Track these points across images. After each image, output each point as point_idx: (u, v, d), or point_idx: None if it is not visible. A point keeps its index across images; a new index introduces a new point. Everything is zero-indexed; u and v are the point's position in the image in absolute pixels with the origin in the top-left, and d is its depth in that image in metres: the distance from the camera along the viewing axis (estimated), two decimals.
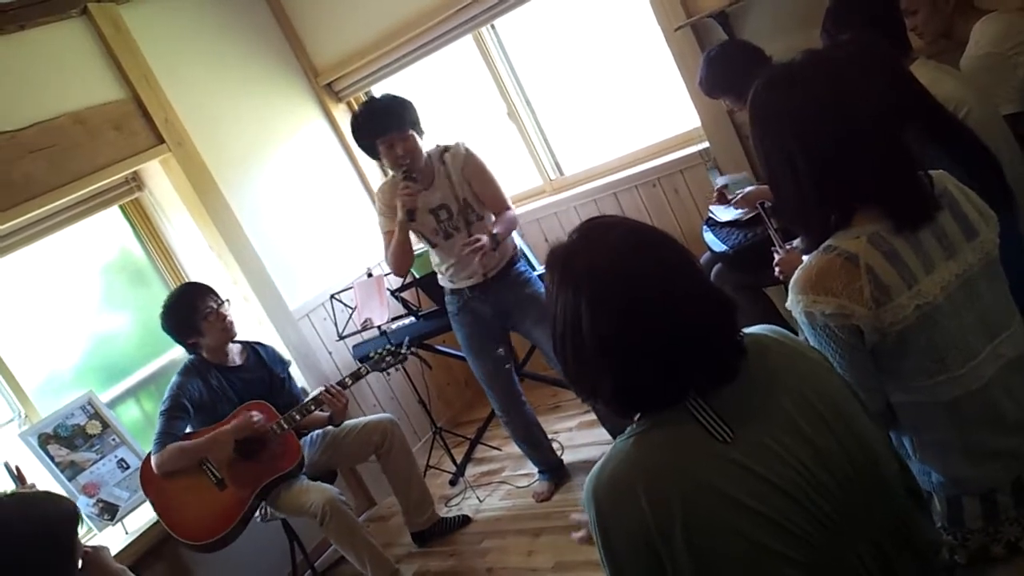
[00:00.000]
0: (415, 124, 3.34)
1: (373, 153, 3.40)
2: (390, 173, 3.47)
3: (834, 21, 2.55)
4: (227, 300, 3.59)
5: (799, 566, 1.22)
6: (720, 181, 3.63)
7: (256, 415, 3.41)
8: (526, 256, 3.69)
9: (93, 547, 2.40)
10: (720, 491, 1.21)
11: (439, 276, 3.64)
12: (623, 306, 1.25)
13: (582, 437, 4.11)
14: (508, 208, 3.49)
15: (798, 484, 1.24)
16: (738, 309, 1.33)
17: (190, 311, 3.47)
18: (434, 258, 3.60)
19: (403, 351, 3.73)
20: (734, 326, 1.32)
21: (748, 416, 1.26)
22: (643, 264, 1.27)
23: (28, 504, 2.14)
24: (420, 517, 3.84)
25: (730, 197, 3.40)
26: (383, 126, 3.29)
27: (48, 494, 2.45)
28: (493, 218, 3.47)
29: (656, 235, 1.33)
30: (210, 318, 3.47)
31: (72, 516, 2.15)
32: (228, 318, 3.53)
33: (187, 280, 4.28)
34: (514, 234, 3.65)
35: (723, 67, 3.17)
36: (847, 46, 2.01)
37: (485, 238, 3.26)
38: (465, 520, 3.91)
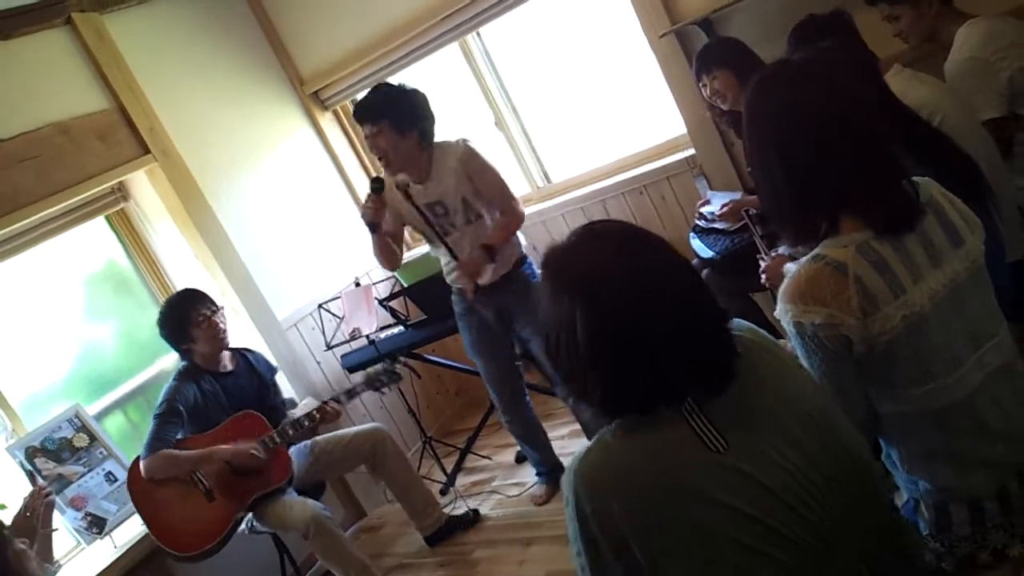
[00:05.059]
0: (396, 118, 3.20)
1: None
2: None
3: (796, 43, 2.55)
4: (221, 308, 3.58)
5: (792, 571, 1.22)
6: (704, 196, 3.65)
7: (257, 451, 3.36)
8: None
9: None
10: (711, 497, 1.20)
11: (445, 274, 3.56)
12: (616, 309, 1.24)
13: (573, 445, 4.09)
14: (511, 206, 3.37)
15: (792, 489, 1.24)
16: (729, 316, 1.33)
17: (183, 318, 3.47)
18: (439, 256, 3.53)
19: (399, 372, 3.69)
20: (727, 332, 1.31)
21: (742, 420, 1.26)
22: (638, 267, 1.27)
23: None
24: (429, 519, 3.80)
25: (712, 214, 3.43)
26: (356, 116, 3.27)
27: None
28: (497, 215, 3.36)
29: (652, 239, 1.33)
30: (203, 326, 3.46)
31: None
32: (221, 327, 3.52)
33: (176, 290, 4.25)
34: (519, 235, 3.53)
35: (738, 44, 3.18)
36: (837, 50, 2.01)
37: (478, 254, 3.22)
38: (476, 515, 3.87)
